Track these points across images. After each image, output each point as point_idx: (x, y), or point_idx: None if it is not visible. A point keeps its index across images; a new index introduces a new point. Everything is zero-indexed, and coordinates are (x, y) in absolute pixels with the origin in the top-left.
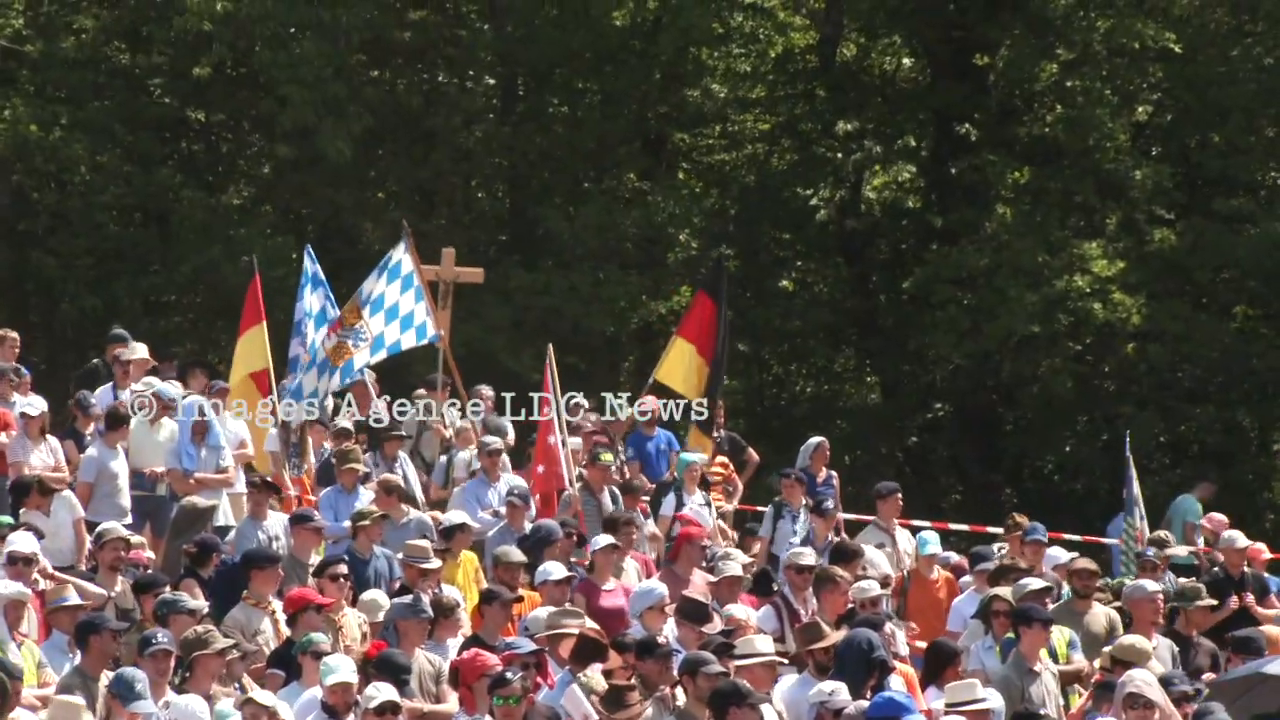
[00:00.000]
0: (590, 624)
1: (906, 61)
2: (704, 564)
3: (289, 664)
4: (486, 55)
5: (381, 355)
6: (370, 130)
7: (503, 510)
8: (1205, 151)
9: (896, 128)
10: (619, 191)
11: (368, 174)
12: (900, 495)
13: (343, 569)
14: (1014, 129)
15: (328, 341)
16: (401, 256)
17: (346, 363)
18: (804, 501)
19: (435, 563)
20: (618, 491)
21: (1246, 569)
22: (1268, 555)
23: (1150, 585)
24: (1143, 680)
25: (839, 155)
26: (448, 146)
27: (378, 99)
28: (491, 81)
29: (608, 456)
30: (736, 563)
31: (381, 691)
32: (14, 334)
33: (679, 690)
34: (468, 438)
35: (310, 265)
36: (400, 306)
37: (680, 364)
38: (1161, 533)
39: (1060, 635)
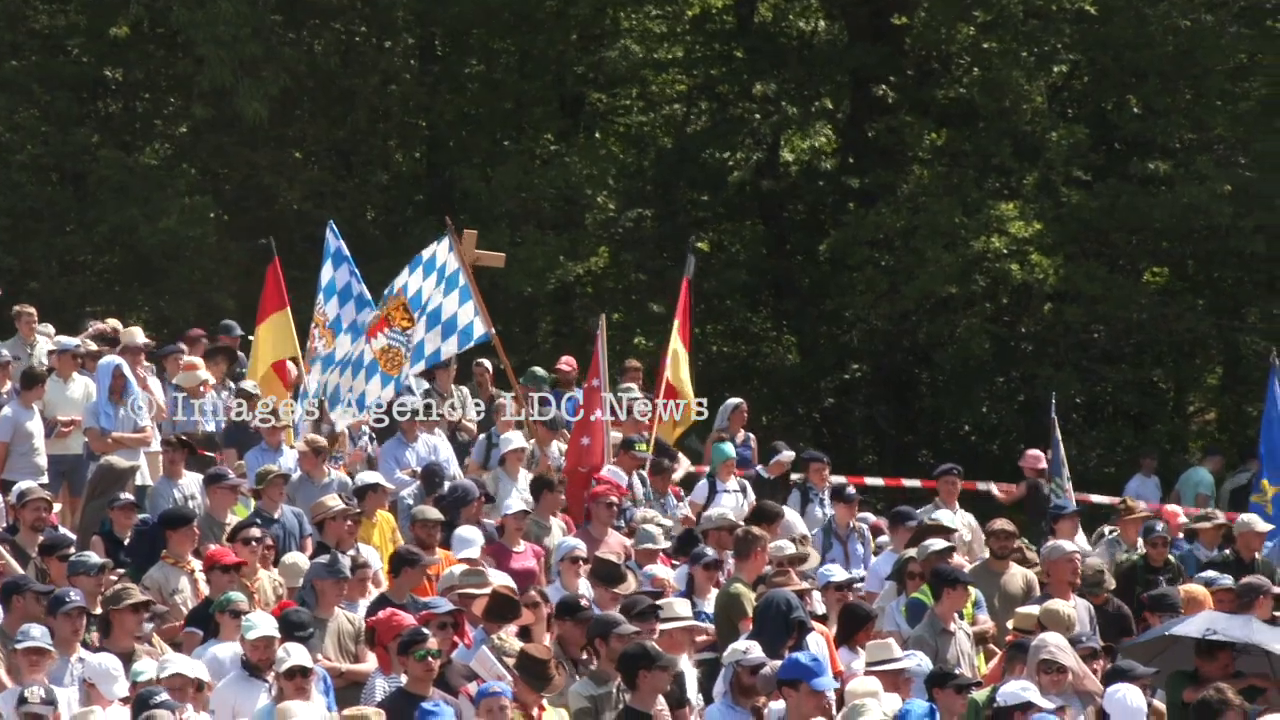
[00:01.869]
0: (505, 582)
1: (823, 23)
2: (622, 524)
3: (207, 623)
4: (404, 15)
5: (420, 366)
6: (287, 90)
7: (419, 469)
8: (1122, 114)
9: (813, 89)
10: (536, 152)
11: (285, 134)
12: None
13: (256, 532)
14: (931, 91)
15: (374, 341)
16: (446, 256)
17: (401, 372)
18: (828, 484)
19: (339, 504)
20: (646, 477)
21: (1258, 555)
22: (1184, 519)
23: (1067, 546)
24: (1055, 645)
25: (756, 117)
26: (365, 107)
27: (295, 59)
28: (410, 41)
29: (642, 446)
30: (656, 530)
31: (292, 654)
32: None
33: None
34: (507, 423)
35: (333, 240)
36: (443, 310)
37: (679, 366)
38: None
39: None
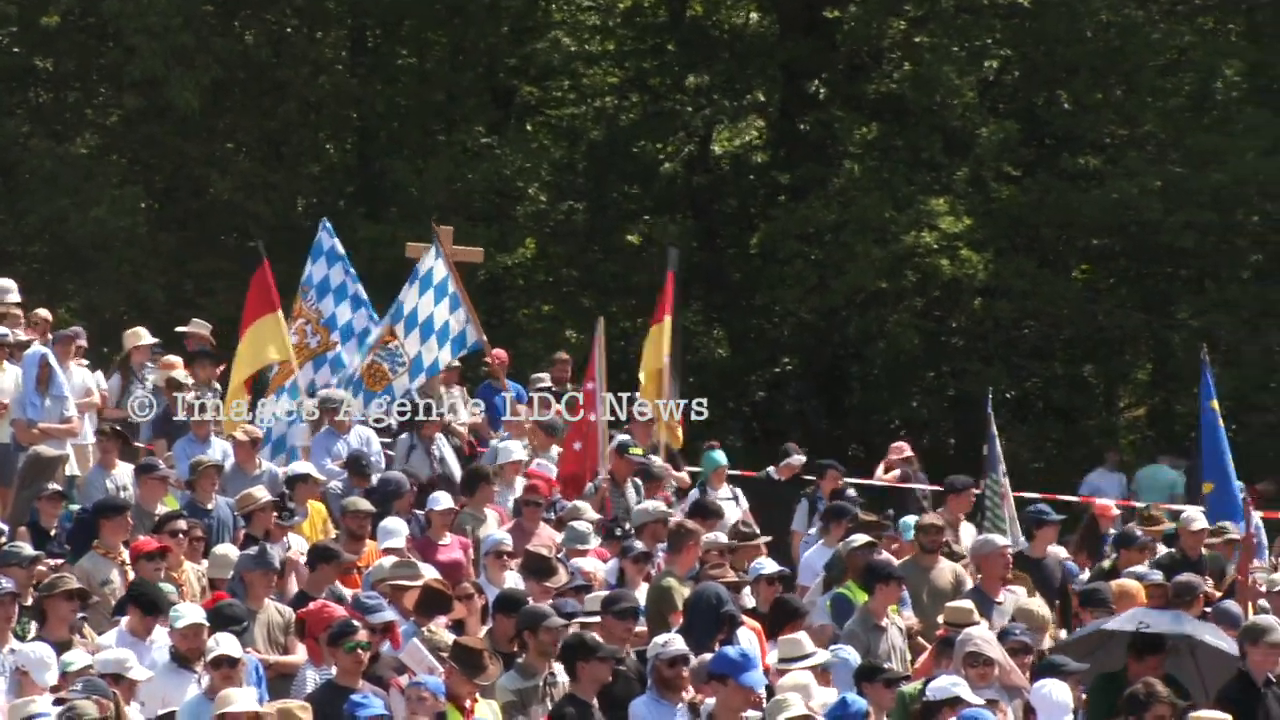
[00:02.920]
0: (435, 575)
1: (755, 15)
2: (552, 517)
3: None
4: (336, 6)
5: (421, 379)
6: (219, 81)
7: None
8: (1052, 109)
9: (745, 83)
10: (468, 144)
11: (216, 124)
12: (974, 491)
13: (182, 524)
14: (862, 85)
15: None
16: (432, 264)
17: (386, 388)
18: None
19: (266, 496)
20: (640, 483)
21: (1205, 551)
22: (1116, 512)
23: (999, 540)
24: (981, 638)
25: (688, 110)
26: (296, 98)
27: (226, 49)
28: (342, 32)
29: (636, 450)
30: (586, 527)
31: (221, 644)
32: None
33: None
34: (520, 429)
35: (327, 239)
36: (435, 319)
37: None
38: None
39: None
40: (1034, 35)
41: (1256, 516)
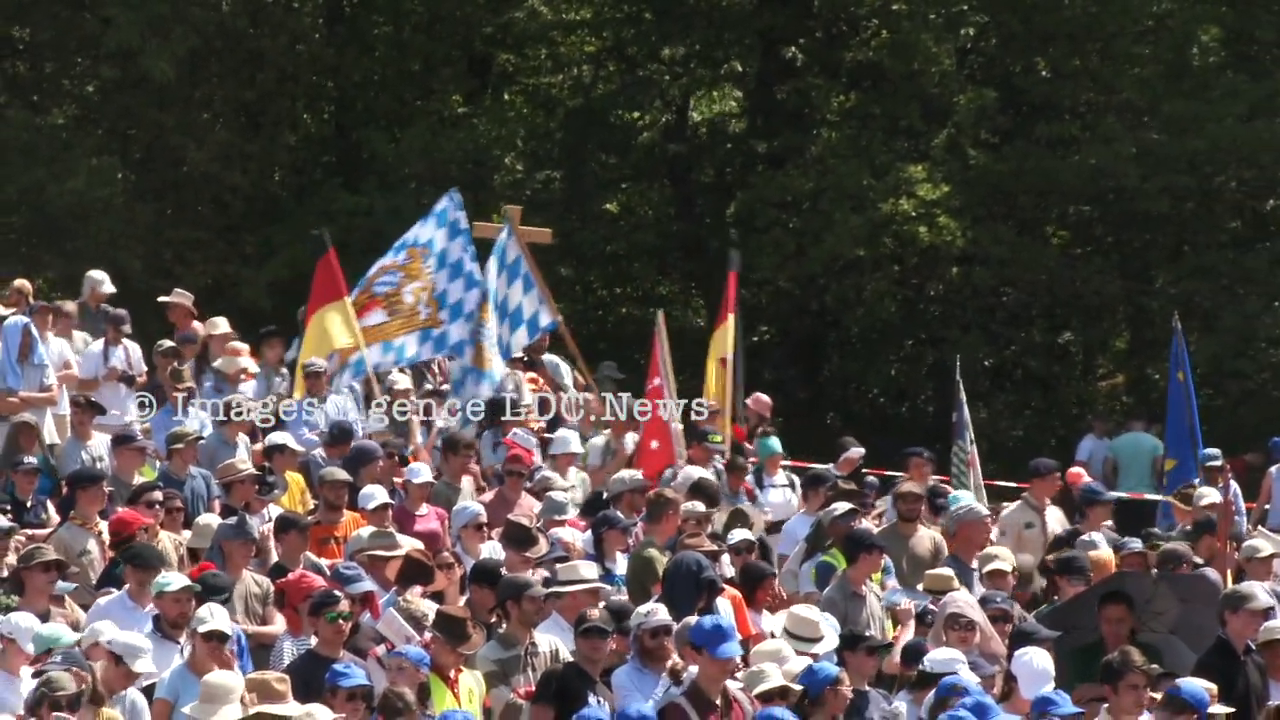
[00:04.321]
0: (416, 545)
1: None
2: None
3: (116, 584)
4: None
5: (503, 362)
6: (195, 51)
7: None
8: (1030, 76)
9: (722, 51)
10: (444, 114)
11: (193, 95)
12: (1059, 476)
13: (158, 495)
14: (839, 53)
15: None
16: (507, 243)
17: (489, 370)
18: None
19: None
20: (722, 469)
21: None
22: (1087, 478)
23: (982, 509)
24: (964, 601)
25: (665, 79)
26: (273, 68)
27: (203, 19)
28: (318, 1)
29: (716, 438)
30: (563, 498)
31: (215, 617)
32: None
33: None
34: (588, 422)
35: (452, 210)
36: (509, 301)
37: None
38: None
39: None
40: (1011, 2)
41: (1235, 486)
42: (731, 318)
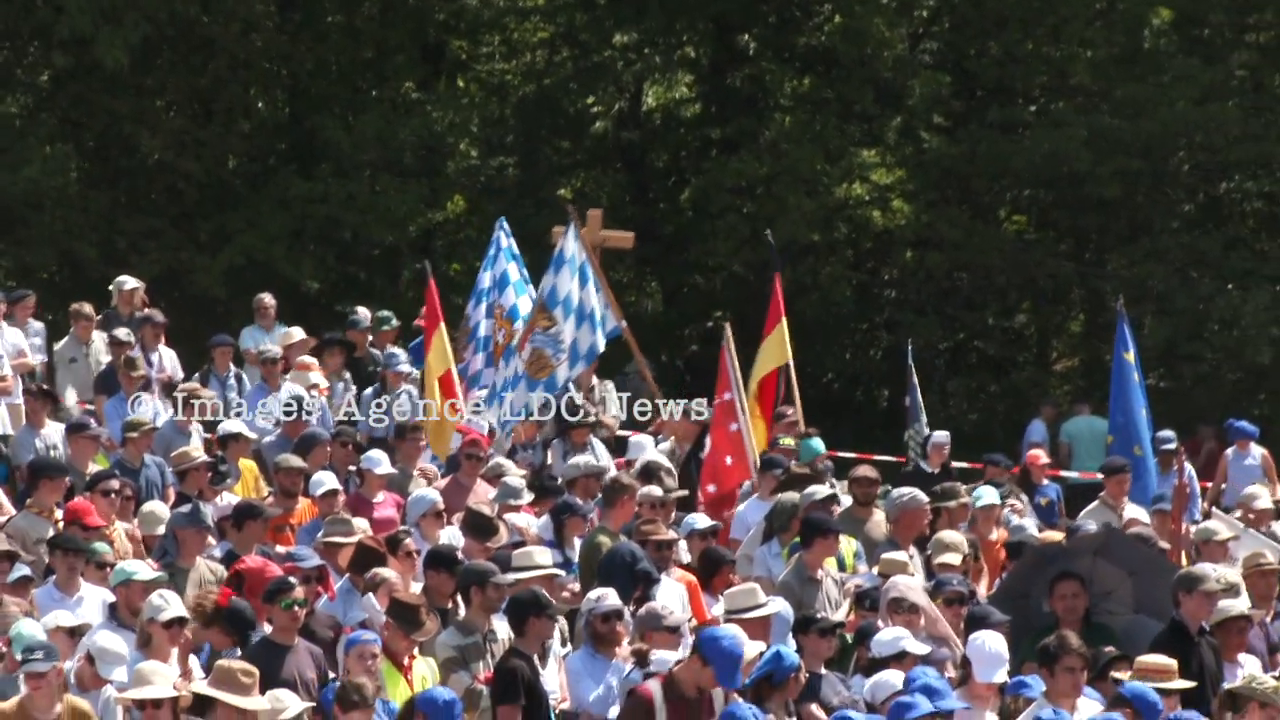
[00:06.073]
0: (368, 532)
1: None
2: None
3: None
4: None
5: (581, 368)
6: (148, 38)
7: (283, 419)
8: (983, 60)
9: (676, 37)
10: (397, 100)
11: (146, 83)
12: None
13: (114, 484)
14: (792, 38)
15: (524, 353)
16: (573, 247)
17: (549, 378)
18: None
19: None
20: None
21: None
22: (1045, 460)
23: (922, 496)
24: (905, 584)
25: (619, 65)
26: (226, 55)
27: (155, 7)
28: None
29: (787, 441)
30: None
31: (171, 604)
32: None
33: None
34: (674, 428)
35: (504, 238)
36: (586, 304)
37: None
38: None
39: (848, 545)
40: None
41: (1190, 468)
42: (784, 321)
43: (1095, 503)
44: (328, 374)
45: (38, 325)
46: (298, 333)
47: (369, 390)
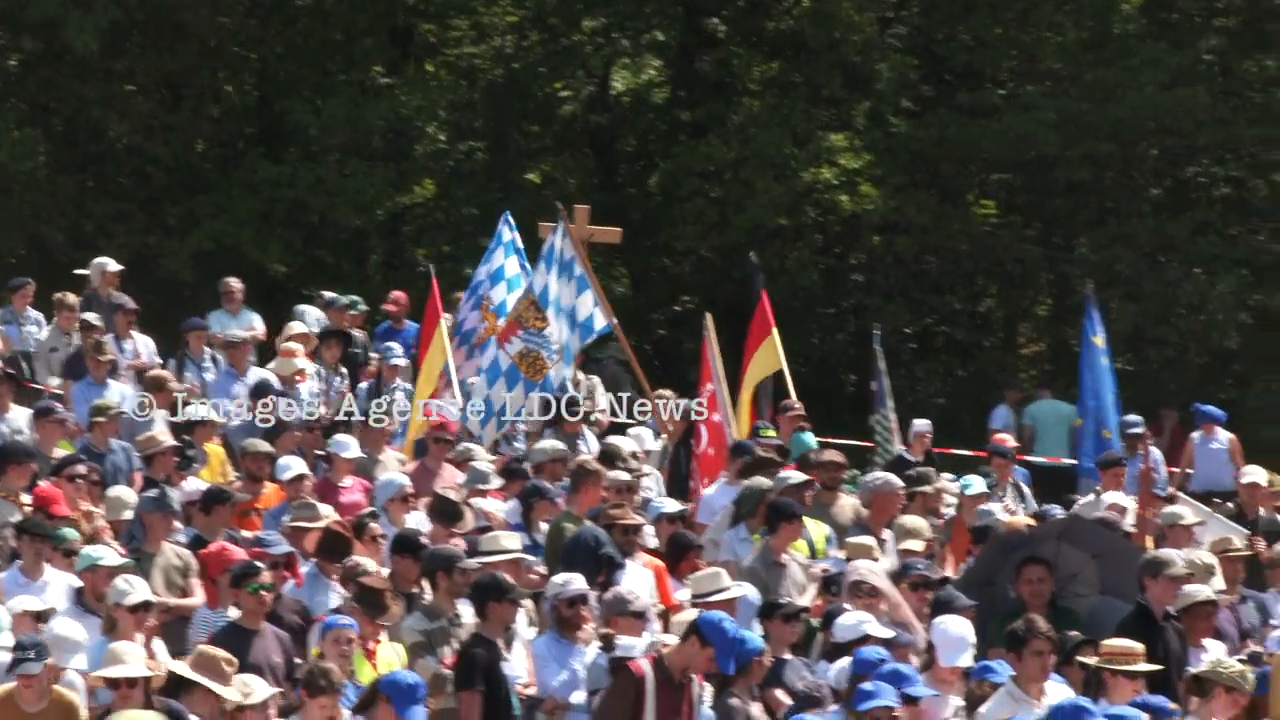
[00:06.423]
0: (335, 517)
1: None
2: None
3: None
4: None
5: (571, 369)
6: (117, 23)
7: (248, 403)
8: (951, 44)
9: (644, 21)
10: (366, 84)
11: (114, 67)
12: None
13: (81, 469)
14: (761, 22)
15: (509, 347)
16: (562, 244)
17: (545, 379)
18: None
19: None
20: None
21: (1262, 511)
22: (1014, 443)
23: (897, 481)
24: (866, 568)
25: (587, 49)
26: (195, 39)
27: None
28: None
29: (769, 432)
30: (487, 468)
31: (136, 588)
32: None
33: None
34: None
35: (508, 232)
36: (569, 303)
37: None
38: None
39: (819, 530)
40: None
41: (1156, 451)
42: (775, 333)
43: (1090, 495)
44: (327, 367)
45: (36, 314)
46: (298, 326)
47: (363, 385)
